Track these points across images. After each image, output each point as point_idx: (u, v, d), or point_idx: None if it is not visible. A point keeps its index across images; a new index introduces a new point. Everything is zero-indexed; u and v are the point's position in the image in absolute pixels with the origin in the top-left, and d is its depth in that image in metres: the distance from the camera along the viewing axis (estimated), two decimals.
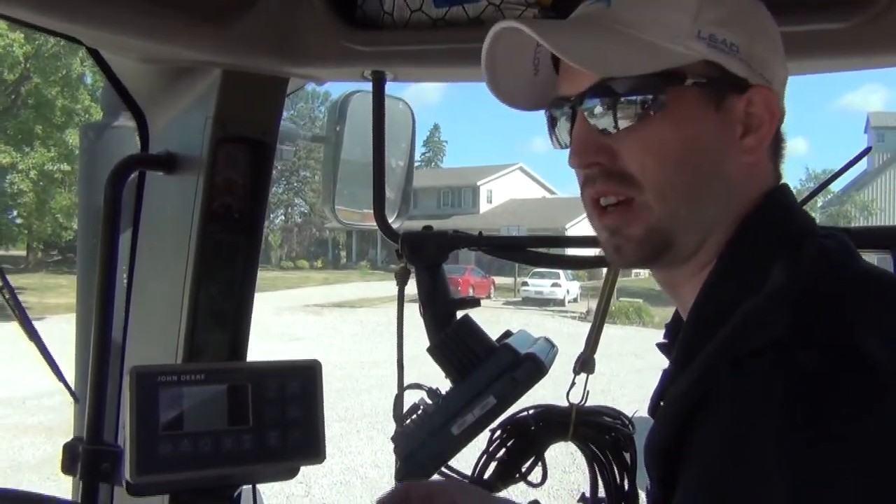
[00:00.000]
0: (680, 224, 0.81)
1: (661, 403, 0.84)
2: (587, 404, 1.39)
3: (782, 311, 0.69)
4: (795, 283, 0.73)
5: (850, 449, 0.60)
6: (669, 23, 0.80)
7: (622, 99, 0.80)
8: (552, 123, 0.89)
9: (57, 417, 8.69)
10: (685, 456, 0.69)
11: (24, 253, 35.35)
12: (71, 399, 1.59)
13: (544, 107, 0.90)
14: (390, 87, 1.46)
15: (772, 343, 0.66)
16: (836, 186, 41.49)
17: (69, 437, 1.46)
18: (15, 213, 26.89)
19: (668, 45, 0.79)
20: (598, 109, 0.81)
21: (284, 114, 1.50)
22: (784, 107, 0.85)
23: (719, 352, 0.70)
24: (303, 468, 1.33)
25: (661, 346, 0.96)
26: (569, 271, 26.00)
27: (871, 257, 0.89)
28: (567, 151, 0.85)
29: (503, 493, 1.39)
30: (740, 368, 0.66)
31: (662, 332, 0.98)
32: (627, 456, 1.38)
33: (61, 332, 2.46)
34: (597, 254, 1.49)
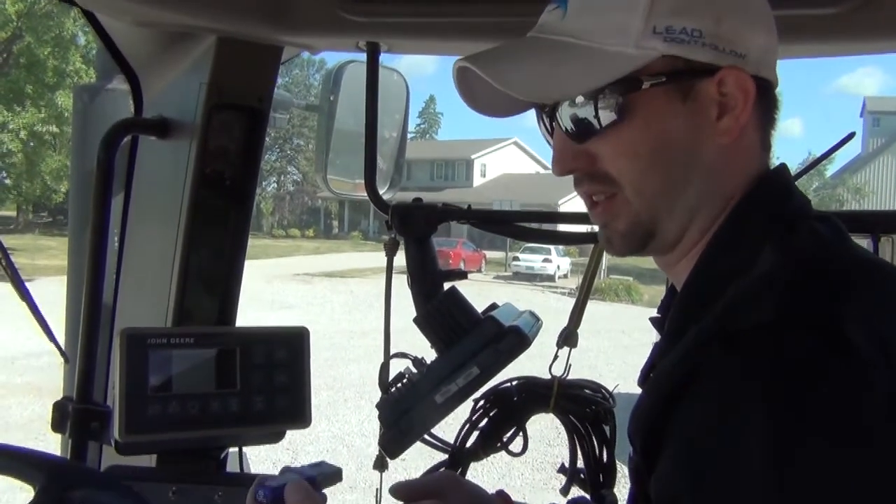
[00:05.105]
0: (660, 215, 0.83)
1: (651, 375, 0.87)
2: (570, 377, 1.41)
3: (772, 294, 0.70)
4: (786, 265, 0.74)
5: (833, 432, 0.61)
6: (620, 26, 0.79)
7: (583, 111, 0.81)
8: (539, 124, 0.91)
9: (45, 378, 8.70)
10: (669, 429, 0.70)
11: (13, 213, 35.15)
12: (60, 360, 1.61)
13: (522, 111, 0.91)
14: (386, 58, 1.47)
15: (760, 325, 0.67)
16: (829, 170, 41.58)
17: (57, 397, 1.48)
18: (4, 173, 26.69)
19: (620, 50, 0.79)
20: (567, 120, 0.83)
21: (279, 81, 1.51)
22: (769, 74, 0.84)
23: (709, 330, 0.71)
24: (290, 434, 1.36)
25: (653, 321, 0.97)
26: (560, 247, 26.06)
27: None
28: None
29: (484, 461, 1.43)
30: (728, 348, 0.67)
31: (650, 310, 1.00)
32: (607, 429, 1.41)
33: (51, 294, 2.48)
34: (585, 230, 1.52)
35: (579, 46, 0.81)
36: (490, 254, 32.86)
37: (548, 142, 0.89)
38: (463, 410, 1.34)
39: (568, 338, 1.41)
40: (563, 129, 0.84)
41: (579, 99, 0.81)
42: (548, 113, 0.86)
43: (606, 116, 0.80)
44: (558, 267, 29.55)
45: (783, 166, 0.87)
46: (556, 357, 1.40)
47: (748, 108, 0.81)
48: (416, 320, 1.29)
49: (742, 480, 0.62)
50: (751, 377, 0.65)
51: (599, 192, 0.85)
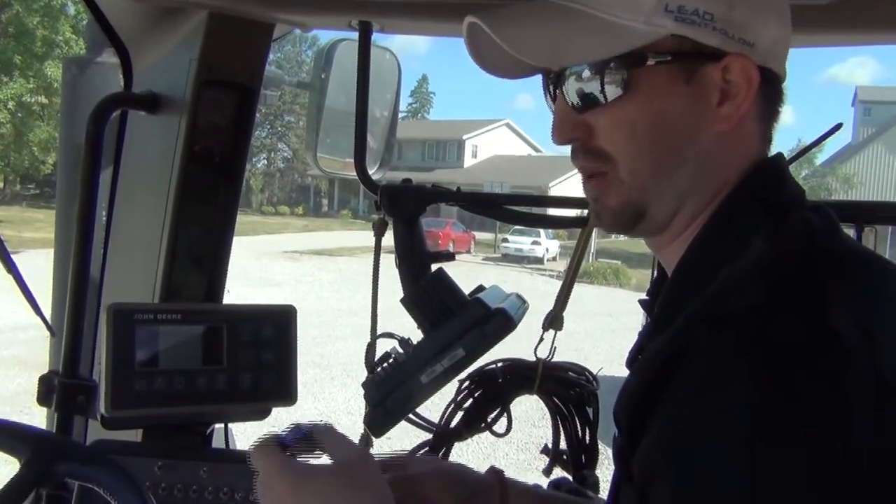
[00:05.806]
0: (652, 196, 0.83)
1: (639, 357, 0.86)
2: (556, 360, 1.43)
3: (763, 281, 0.71)
4: (776, 254, 0.74)
5: (814, 416, 0.62)
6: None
7: (588, 82, 0.81)
8: (545, 91, 0.90)
9: (31, 351, 8.67)
10: (655, 410, 0.71)
11: (0, 185, 34.85)
12: (46, 334, 1.60)
13: (528, 75, 0.91)
14: (378, 36, 1.46)
15: (749, 309, 0.68)
16: (818, 159, 41.65)
17: (43, 370, 1.48)
18: None
19: (629, 24, 0.79)
20: (571, 88, 0.83)
21: (270, 57, 1.50)
22: (778, 66, 0.84)
23: (699, 312, 0.72)
24: (276, 412, 1.36)
25: (642, 303, 0.98)
26: (549, 230, 26.10)
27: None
28: None
29: (469, 441, 1.44)
30: (717, 330, 0.68)
31: (638, 293, 1.00)
32: (590, 411, 1.42)
33: (37, 267, 2.46)
34: (574, 214, 1.52)
35: (590, 15, 0.80)
36: (479, 235, 32.87)
37: (550, 109, 0.89)
38: (448, 391, 1.36)
39: (553, 320, 1.42)
40: (566, 96, 0.84)
41: (585, 70, 0.81)
42: (553, 80, 0.86)
43: (609, 88, 0.80)
44: (547, 250, 29.61)
45: (779, 155, 0.87)
46: (541, 339, 1.41)
47: (750, 97, 0.80)
48: (403, 301, 1.30)
49: (724, 464, 0.62)
50: (741, 356, 0.65)
51: (591, 168, 0.85)
